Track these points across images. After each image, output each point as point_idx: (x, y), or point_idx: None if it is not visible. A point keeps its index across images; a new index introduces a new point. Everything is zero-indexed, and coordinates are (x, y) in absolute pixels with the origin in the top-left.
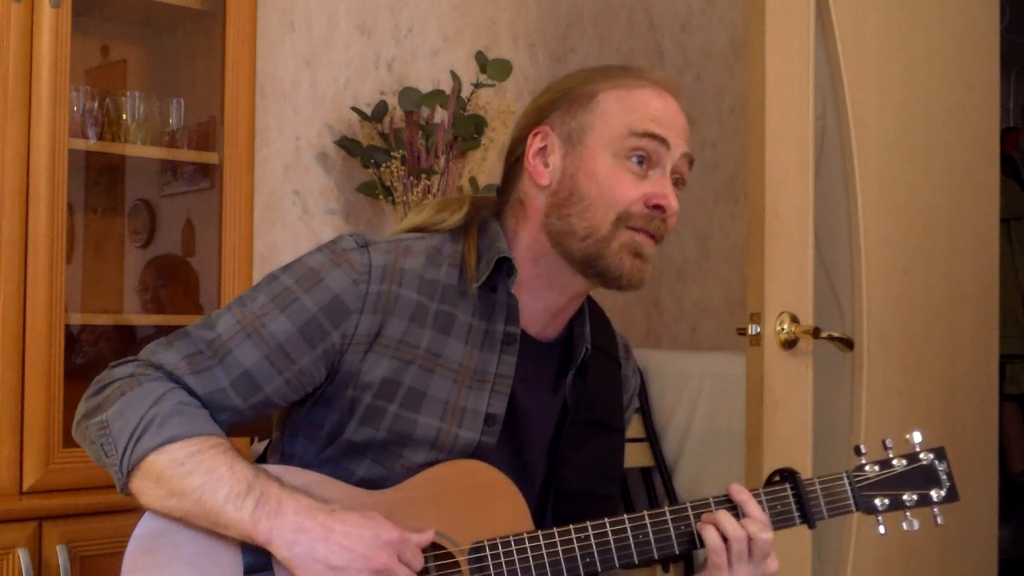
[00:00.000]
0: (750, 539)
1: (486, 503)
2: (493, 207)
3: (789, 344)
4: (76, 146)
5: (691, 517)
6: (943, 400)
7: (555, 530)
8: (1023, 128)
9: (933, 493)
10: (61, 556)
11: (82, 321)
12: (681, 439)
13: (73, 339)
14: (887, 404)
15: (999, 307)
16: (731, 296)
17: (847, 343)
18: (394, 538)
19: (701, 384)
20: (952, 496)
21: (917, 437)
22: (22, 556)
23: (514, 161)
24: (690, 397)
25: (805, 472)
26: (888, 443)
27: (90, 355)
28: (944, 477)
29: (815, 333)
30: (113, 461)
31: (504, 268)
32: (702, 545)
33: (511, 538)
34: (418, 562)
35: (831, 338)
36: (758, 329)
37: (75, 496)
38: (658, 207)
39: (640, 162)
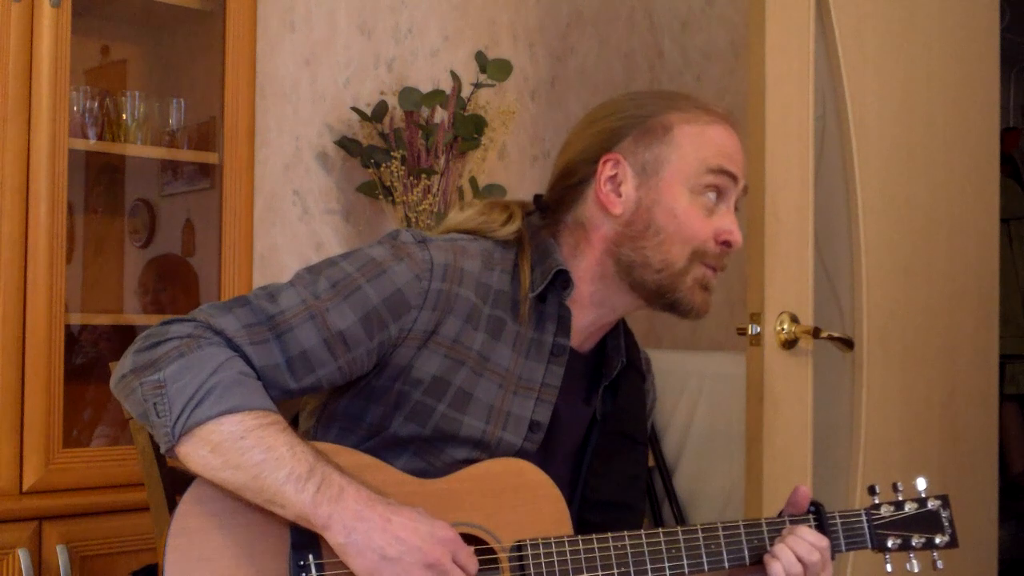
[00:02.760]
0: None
1: (531, 503)
2: (542, 221)
3: (789, 344)
4: (76, 146)
5: (720, 538)
6: (943, 400)
7: (594, 536)
8: (1023, 128)
9: (937, 538)
10: (61, 556)
11: (82, 321)
12: (681, 439)
13: (73, 339)
14: (887, 404)
15: (999, 307)
16: (731, 296)
17: (847, 343)
18: (450, 537)
19: (701, 384)
20: (953, 543)
21: (922, 483)
22: (22, 556)
23: (576, 183)
24: (690, 397)
25: (805, 475)
26: (899, 486)
27: (90, 355)
28: (947, 524)
29: (815, 333)
30: (165, 422)
31: (559, 280)
32: (731, 565)
33: (552, 539)
34: (473, 566)
35: (831, 338)
36: (758, 329)
37: (75, 496)
38: (727, 243)
39: (715, 197)
